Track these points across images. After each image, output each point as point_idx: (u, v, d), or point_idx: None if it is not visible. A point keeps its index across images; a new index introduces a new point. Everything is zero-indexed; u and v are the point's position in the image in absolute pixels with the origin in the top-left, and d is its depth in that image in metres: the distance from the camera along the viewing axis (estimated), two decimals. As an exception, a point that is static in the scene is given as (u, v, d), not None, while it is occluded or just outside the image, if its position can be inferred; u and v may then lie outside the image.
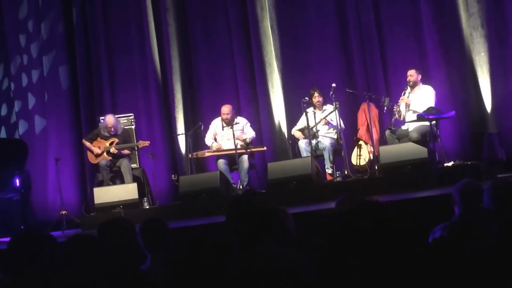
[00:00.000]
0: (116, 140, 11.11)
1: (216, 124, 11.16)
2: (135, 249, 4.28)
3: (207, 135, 11.19)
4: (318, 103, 10.70)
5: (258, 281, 3.04)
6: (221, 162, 10.73)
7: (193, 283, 3.01)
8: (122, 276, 3.59)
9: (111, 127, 11.11)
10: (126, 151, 11.20)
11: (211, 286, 3.01)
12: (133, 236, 4.32)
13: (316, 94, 10.68)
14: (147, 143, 11.12)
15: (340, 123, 10.39)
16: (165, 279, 3.23)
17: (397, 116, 10.22)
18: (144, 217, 4.83)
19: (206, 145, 11.19)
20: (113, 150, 11.02)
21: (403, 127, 10.17)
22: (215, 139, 11.11)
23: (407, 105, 10.15)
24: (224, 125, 10.93)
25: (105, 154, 11.08)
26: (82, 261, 3.75)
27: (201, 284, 2.99)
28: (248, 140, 10.87)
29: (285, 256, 3.33)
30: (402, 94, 10.20)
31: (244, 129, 11.03)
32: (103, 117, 11.57)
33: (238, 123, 10.97)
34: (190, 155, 11.00)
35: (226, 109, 10.96)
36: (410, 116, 10.02)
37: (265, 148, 11.19)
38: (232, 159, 10.72)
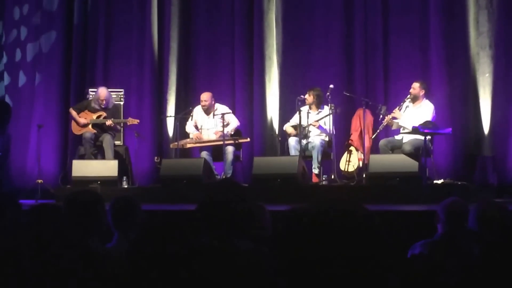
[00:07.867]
0: (104, 114, 10.82)
1: (197, 113, 10.93)
2: (100, 225, 4.11)
3: (188, 122, 11.00)
4: (313, 104, 10.43)
5: (219, 274, 2.84)
6: (204, 154, 10.55)
7: (153, 267, 2.81)
8: (79, 250, 3.39)
9: (103, 100, 10.81)
10: (117, 126, 10.98)
11: (172, 274, 2.80)
12: (101, 211, 4.14)
13: (312, 94, 10.36)
14: (136, 121, 10.89)
15: (331, 128, 10.17)
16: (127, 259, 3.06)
17: (388, 124, 10.02)
18: (116, 195, 4.70)
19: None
20: (109, 122, 10.69)
21: (397, 137, 9.97)
22: (196, 127, 10.91)
23: (394, 118, 9.96)
24: (203, 112, 10.76)
25: (90, 126, 10.80)
26: (41, 229, 3.57)
27: (161, 269, 2.79)
28: (231, 132, 10.64)
29: (252, 252, 3.15)
30: (400, 104, 10.02)
31: (226, 119, 10.66)
32: (92, 89, 11.33)
33: (217, 109, 10.72)
34: (171, 145, 10.87)
35: (204, 96, 10.74)
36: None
37: (248, 139, 10.95)
38: (215, 150, 10.52)
